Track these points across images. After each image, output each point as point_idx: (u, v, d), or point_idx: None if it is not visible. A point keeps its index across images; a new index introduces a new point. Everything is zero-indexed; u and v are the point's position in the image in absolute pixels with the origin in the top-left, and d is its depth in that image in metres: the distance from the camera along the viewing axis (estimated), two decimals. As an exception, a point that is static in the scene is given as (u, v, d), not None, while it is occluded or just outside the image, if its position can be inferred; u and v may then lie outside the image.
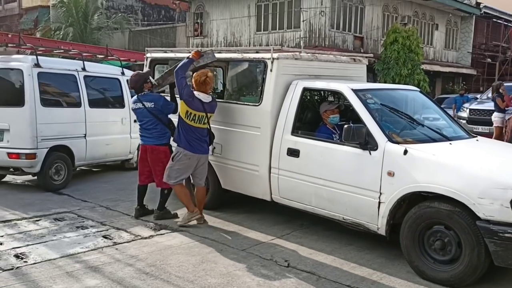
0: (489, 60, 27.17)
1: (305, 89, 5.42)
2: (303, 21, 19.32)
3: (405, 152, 4.35)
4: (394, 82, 18.57)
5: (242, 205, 6.25)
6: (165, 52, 7.12)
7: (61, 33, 24.16)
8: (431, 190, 4.12)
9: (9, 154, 6.96)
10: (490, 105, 12.84)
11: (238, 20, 21.85)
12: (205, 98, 5.35)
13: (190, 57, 5.50)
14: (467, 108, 13.22)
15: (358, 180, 4.63)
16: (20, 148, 6.95)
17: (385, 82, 18.91)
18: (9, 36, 13.67)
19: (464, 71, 25.92)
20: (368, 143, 4.58)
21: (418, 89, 5.97)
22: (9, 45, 11.82)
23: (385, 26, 21.68)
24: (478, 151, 4.83)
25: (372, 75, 21.04)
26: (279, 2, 20.43)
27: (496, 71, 26.30)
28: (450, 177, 4.04)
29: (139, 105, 5.71)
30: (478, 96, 15.96)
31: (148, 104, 5.66)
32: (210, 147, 5.66)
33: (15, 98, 7.08)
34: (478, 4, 26.38)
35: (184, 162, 5.42)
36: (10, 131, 7.01)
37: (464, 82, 25.45)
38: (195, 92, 5.33)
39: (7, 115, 7.07)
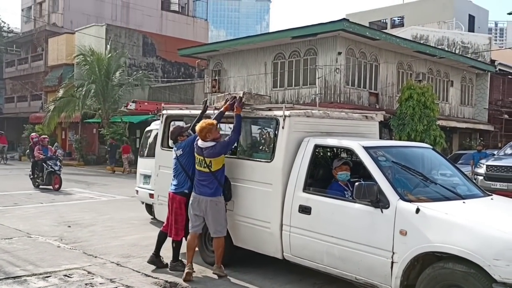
0: (506, 116, 27.07)
1: (316, 146, 5.46)
2: (318, 78, 19.68)
3: (417, 210, 4.29)
4: (409, 138, 18.57)
5: (254, 262, 6.15)
6: (180, 109, 7.30)
7: (83, 90, 24.99)
8: (445, 251, 4.03)
9: (150, 195, 8.56)
10: (508, 162, 12.67)
11: (255, 77, 22.36)
12: (203, 144, 5.61)
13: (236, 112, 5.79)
14: (484, 164, 13.06)
15: (370, 239, 4.55)
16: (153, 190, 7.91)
17: (400, 138, 18.93)
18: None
19: (481, 127, 25.80)
20: (380, 201, 4.54)
21: (431, 147, 5.95)
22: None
23: (400, 83, 21.94)
24: (492, 210, 4.74)
25: (388, 130, 21.11)
26: (295, 60, 20.93)
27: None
28: (464, 237, 3.95)
29: (173, 154, 6.11)
30: (495, 152, 15.80)
31: (178, 152, 6.01)
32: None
33: None
34: (492, 61, 26.65)
35: (194, 207, 5.67)
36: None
37: (481, 138, 25.27)
38: (198, 140, 5.72)
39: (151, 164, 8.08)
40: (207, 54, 24.79)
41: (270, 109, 5.88)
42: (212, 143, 5.60)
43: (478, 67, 25.61)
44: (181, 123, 6.74)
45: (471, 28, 37.48)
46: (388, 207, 4.48)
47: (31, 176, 15.04)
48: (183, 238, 6.01)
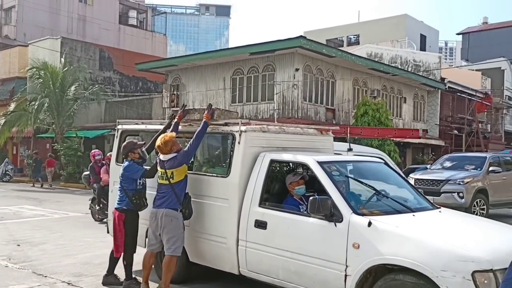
0: (455, 132, 28.19)
1: (272, 161, 5.51)
2: (276, 93, 19.93)
3: (369, 224, 4.38)
4: (365, 153, 19.00)
5: (210, 279, 6.09)
6: (136, 124, 7.21)
7: (36, 104, 24.26)
8: (396, 263, 4.13)
9: None
10: (434, 175, 12.93)
11: (214, 92, 22.40)
12: (164, 157, 5.55)
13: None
14: (412, 177, 13.06)
15: (325, 253, 4.61)
16: None
17: (357, 152, 19.35)
18: None
19: (432, 142, 26.74)
20: (334, 215, 4.61)
21: (383, 161, 6.12)
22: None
23: (356, 99, 22.51)
24: (440, 222, 4.90)
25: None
26: (253, 76, 21.13)
27: (463, 142, 27.21)
28: (413, 250, 4.07)
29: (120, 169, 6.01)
30: (428, 166, 16.16)
31: (120, 170, 5.96)
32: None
33: None
34: (442, 79, 27.80)
35: (151, 224, 5.57)
36: None
37: (433, 153, 26.20)
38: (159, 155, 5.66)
39: None
40: (165, 68, 24.67)
41: (226, 124, 5.90)
42: (174, 155, 5.56)
43: (429, 84, 26.63)
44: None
45: (422, 47, 39.02)
46: (342, 221, 4.56)
47: (97, 207, 11.50)
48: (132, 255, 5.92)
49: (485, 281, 3.77)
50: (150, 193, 5.91)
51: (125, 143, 6.22)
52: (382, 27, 38.67)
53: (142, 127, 6.95)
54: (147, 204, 5.86)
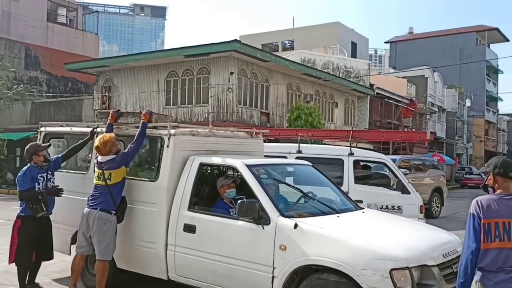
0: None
1: (202, 165, 5.49)
2: (211, 96, 19.89)
3: (295, 226, 4.48)
4: (298, 156, 19.41)
5: (138, 286, 5.96)
6: (61, 126, 6.93)
7: (-47, 104, 22.66)
8: (320, 263, 4.25)
9: None
10: None
11: (147, 94, 21.98)
12: (103, 158, 5.41)
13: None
14: None
15: (253, 255, 4.66)
16: None
17: (290, 156, 19.72)
18: None
19: (362, 145, 27.75)
20: (261, 218, 4.67)
21: (311, 164, 6.28)
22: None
23: (289, 103, 22.95)
24: (362, 223, 5.11)
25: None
26: (188, 78, 20.97)
27: (390, 146, 28.47)
28: (336, 250, 4.21)
29: None
30: None
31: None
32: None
33: None
34: (371, 85, 28.99)
35: (82, 225, 5.44)
36: None
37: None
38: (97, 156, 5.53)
39: None
40: (96, 69, 23.91)
41: (155, 127, 5.82)
42: (113, 156, 5.42)
43: (359, 90, 27.68)
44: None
45: (353, 54, 40.49)
46: (269, 223, 4.63)
47: None
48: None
49: (402, 278, 3.97)
50: (69, 198, 5.77)
51: (28, 146, 5.88)
52: (316, 33, 39.74)
53: (67, 129, 6.69)
54: (46, 210, 5.61)
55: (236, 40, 19.62)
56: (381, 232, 4.75)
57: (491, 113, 53.99)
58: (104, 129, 5.92)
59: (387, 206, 8.83)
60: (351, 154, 9.08)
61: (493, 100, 55.00)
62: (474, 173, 34.29)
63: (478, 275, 3.20)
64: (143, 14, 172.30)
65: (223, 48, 19.26)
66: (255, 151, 6.67)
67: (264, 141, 7.03)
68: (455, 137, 42.94)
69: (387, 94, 30.43)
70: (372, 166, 10.71)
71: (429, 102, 38.61)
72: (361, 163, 9.72)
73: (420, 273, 4.11)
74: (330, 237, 4.35)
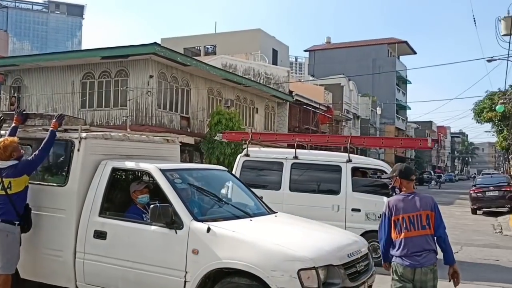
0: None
1: (114, 169, 5.37)
2: (129, 100, 19.43)
3: (208, 229, 4.52)
4: (219, 161, 19.51)
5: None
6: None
7: None
8: (232, 266, 4.32)
9: None
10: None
11: (61, 96, 21.00)
12: (2, 164, 5.08)
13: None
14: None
15: (165, 260, 4.63)
16: None
17: (210, 161, 19.77)
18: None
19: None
20: (175, 222, 4.66)
21: (226, 169, 6.36)
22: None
23: (210, 108, 22.98)
24: (274, 226, 5.25)
25: (199, 154, 21.83)
26: (105, 81, 20.31)
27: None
28: (247, 252, 4.30)
29: None
30: None
31: None
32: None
33: None
34: (291, 92, 29.79)
35: None
36: None
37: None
38: None
39: None
40: (4, 68, 22.46)
41: (66, 130, 5.60)
42: (14, 162, 5.09)
43: (278, 96, 28.34)
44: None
45: (274, 61, 41.36)
46: (182, 228, 4.63)
47: None
48: None
49: (309, 278, 4.14)
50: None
51: None
52: (238, 39, 40.13)
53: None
54: None
55: (155, 43, 19.33)
56: (291, 235, 4.92)
57: (401, 121, 57.55)
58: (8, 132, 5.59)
59: None
60: (349, 160, 8.68)
61: (402, 108, 58.66)
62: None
63: (394, 259, 4.17)
64: (58, 12, 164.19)
65: (142, 50, 18.91)
66: (171, 156, 6.62)
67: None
68: (368, 143, 45.14)
69: (306, 101, 31.44)
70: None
71: (344, 109, 40.41)
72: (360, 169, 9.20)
73: (326, 273, 4.30)
74: (242, 240, 4.43)
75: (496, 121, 35.31)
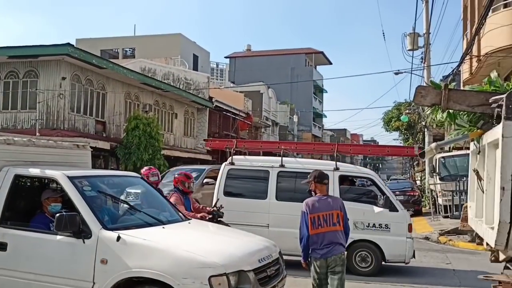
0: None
1: (17, 176, 5.10)
2: (39, 102, 18.39)
3: (118, 238, 4.42)
4: (135, 167, 19.01)
5: None
6: None
7: None
8: (142, 275, 4.26)
9: None
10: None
11: (-39, 96, 19.40)
12: None
13: None
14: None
15: (71, 271, 4.47)
16: None
17: (126, 167, 19.22)
18: None
19: (201, 156, 28.32)
20: (83, 232, 4.51)
21: (139, 175, 6.24)
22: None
23: (128, 113, 22.35)
24: (187, 233, 5.25)
25: (115, 159, 21.14)
26: (12, 81, 19.07)
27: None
28: (158, 260, 4.26)
29: None
30: None
31: None
32: None
33: None
34: (211, 98, 29.80)
35: None
36: None
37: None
38: None
39: None
40: None
41: (-38, 135, 5.22)
42: None
43: (198, 102, 28.23)
44: None
45: (195, 67, 41.15)
46: (91, 237, 4.50)
47: None
48: None
49: (219, 284, 4.19)
50: None
51: None
52: (157, 43, 39.44)
53: None
54: None
55: (68, 43, 18.47)
56: (202, 242, 4.94)
57: (317, 128, 59.61)
58: None
59: (374, 224, 8.39)
60: (336, 169, 8.56)
61: (318, 116, 60.81)
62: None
63: (311, 254, 5.00)
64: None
65: (54, 51, 17.98)
66: (82, 162, 6.38)
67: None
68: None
69: (226, 107, 31.59)
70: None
71: (264, 116, 41.12)
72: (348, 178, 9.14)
73: (237, 278, 4.37)
74: (153, 248, 4.38)
75: (403, 130, 37.74)
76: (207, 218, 6.85)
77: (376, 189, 8.91)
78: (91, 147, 6.68)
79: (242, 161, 9.32)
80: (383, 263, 8.51)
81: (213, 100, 29.55)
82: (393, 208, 8.43)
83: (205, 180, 13.57)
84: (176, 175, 7.43)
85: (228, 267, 4.29)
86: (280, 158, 8.91)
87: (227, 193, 8.84)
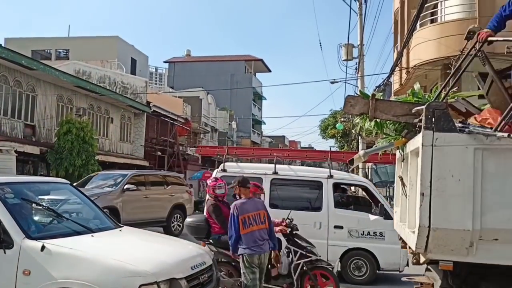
0: (159, 153, 30.01)
1: None
2: (-39, 104, 17.29)
3: (43, 248, 4.24)
4: (67, 173, 18.31)
5: None
6: None
7: None
8: (68, 286, 4.10)
9: None
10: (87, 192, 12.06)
11: None
12: None
13: None
14: None
15: (-9, 283, 4.21)
16: None
17: (58, 173, 18.45)
18: None
19: (138, 162, 27.72)
20: (4, 241, 4.29)
21: (68, 182, 6.02)
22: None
23: (60, 116, 21.49)
24: (116, 241, 5.11)
25: (45, 165, 20.23)
26: None
27: (165, 163, 29.15)
28: (86, 270, 4.12)
29: None
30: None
31: None
32: None
33: None
34: (148, 103, 29.27)
35: None
36: None
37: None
38: None
39: None
40: None
41: None
42: None
43: (135, 107, 27.62)
44: None
45: (133, 71, 40.27)
46: (12, 247, 4.28)
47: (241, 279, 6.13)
48: None
49: (150, 293, 4.11)
50: None
51: None
52: (93, 45, 38.24)
53: None
54: None
55: (-4, 43, 17.56)
56: (133, 249, 4.84)
57: (256, 135, 60.12)
58: None
59: (368, 232, 8.33)
60: (330, 176, 8.49)
61: (258, 123, 61.37)
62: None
63: (243, 250, 5.58)
64: None
65: (-22, 50, 17.00)
66: (5, 168, 6.09)
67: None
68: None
69: (164, 112, 31.12)
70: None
71: (203, 122, 40.91)
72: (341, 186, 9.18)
73: (168, 286, 4.31)
74: (80, 258, 4.24)
75: (338, 137, 38.88)
76: (287, 231, 6.66)
77: (370, 197, 8.93)
78: (17, 151, 6.38)
79: (235, 168, 9.04)
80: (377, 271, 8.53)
81: (151, 105, 29.03)
82: (388, 216, 8.26)
83: (126, 186, 12.94)
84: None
85: (159, 275, 4.22)
86: (273, 165, 8.76)
87: None
